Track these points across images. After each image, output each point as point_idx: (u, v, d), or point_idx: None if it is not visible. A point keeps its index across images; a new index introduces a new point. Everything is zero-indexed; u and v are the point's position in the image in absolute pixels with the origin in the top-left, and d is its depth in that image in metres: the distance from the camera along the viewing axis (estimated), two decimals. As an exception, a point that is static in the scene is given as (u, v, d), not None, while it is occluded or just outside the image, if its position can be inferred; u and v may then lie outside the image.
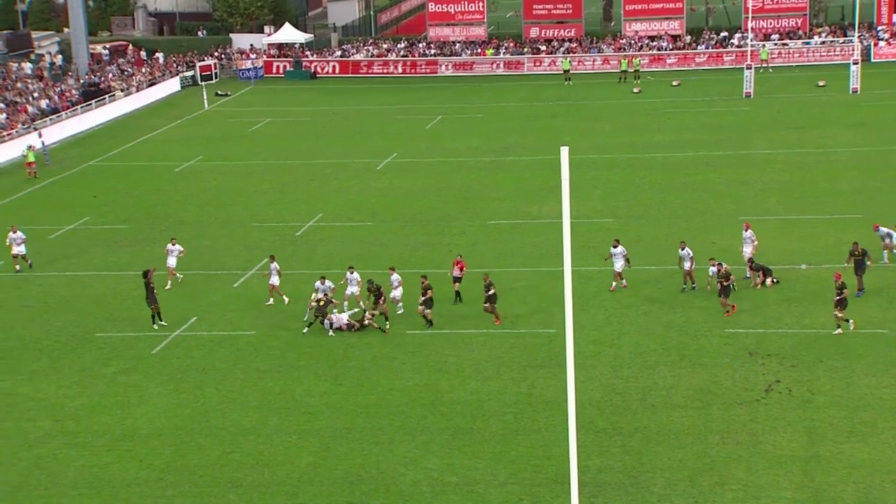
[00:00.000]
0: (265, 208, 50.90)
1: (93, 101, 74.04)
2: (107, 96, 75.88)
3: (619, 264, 36.98)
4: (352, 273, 36.71)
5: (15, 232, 41.48)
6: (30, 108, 70.18)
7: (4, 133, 64.68)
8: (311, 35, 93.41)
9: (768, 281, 36.71)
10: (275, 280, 37.49)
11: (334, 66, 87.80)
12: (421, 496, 25.30)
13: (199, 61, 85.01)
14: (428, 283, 34.72)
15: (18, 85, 75.60)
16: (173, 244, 39.55)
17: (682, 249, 36.65)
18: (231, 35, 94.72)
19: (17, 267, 41.44)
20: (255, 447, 27.87)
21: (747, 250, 37.34)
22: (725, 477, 25.49)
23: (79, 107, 72.92)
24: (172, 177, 58.30)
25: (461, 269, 36.80)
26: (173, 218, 49.69)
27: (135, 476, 26.63)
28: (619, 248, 37.00)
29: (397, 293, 35.85)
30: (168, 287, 39.03)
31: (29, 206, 53.09)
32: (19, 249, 41.27)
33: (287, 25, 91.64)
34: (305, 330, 35.07)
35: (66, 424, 29.48)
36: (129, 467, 27.04)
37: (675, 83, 76.50)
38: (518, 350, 33.14)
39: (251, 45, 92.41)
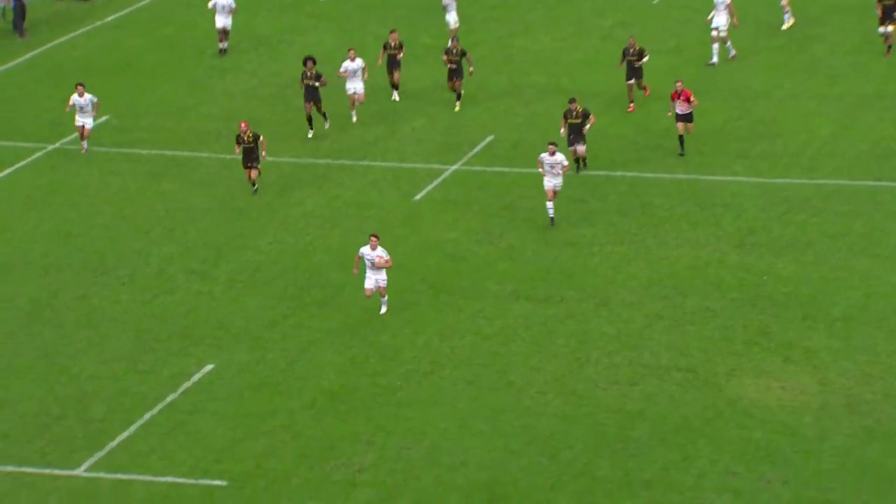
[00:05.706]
0: None
1: None
2: None
3: (557, 181, 23.21)
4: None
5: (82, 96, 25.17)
6: None
7: None
8: None
9: None
10: None
11: None
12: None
13: None
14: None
15: None
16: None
17: None
18: None
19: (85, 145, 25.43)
20: (767, 113, 23.75)
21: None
22: None
23: None
24: None
25: (688, 101, 22.55)
26: None
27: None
28: (558, 156, 22.94)
29: None
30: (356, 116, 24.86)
31: None
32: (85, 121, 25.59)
33: None
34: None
35: (561, 81, 25.93)
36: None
37: None
38: None
39: None
